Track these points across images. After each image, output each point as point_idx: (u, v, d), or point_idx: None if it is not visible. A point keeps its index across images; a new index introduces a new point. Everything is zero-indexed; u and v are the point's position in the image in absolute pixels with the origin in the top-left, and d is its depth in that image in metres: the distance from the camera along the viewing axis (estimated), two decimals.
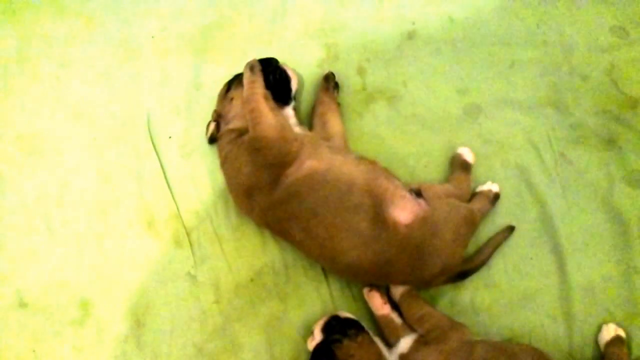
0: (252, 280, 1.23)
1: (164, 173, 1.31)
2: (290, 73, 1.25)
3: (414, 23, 1.42)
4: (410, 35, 1.41)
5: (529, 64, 1.37)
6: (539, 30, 1.40)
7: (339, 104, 1.31)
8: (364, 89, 1.36)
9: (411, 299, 1.12)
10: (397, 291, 1.14)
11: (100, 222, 1.29)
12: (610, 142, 1.30)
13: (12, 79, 1.40)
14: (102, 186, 1.32)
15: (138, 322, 1.23)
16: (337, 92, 1.33)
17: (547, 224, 1.24)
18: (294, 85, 1.25)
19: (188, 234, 1.27)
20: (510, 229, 1.23)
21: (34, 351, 1.22)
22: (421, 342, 1.07)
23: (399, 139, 1.32)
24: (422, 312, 1.09)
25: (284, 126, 1.16)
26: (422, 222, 1.08)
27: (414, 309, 1.10)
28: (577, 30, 1.40)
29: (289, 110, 1.24)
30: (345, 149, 1.23)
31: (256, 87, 1.18)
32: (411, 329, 1.11)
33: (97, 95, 1.39)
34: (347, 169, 1.11)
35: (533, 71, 1.37)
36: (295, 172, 1.10)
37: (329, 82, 1.32)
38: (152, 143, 1.33)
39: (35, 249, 1.28)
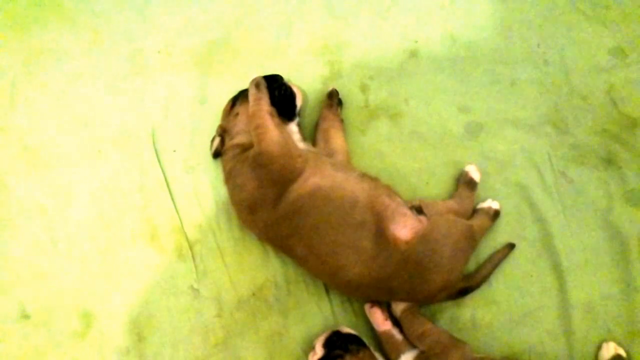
0: (253, 294, 1.24)
1: (168, 186, 1.33)
2: (294, 90, 1.27)
3: (416, 41, 1.44)
4: (413, 54, 1.43)
5: (530, 83, 1.39)
6: (540, 50, 1.43)
7: (342, 121, 1.33)
8: (366, 106, 1.38)
9: (412, 315, 1.13)
10: (398, 308, 1.15)
11: (103, 235, 1.30)
12: (610, 162, 1.31)
13: (20, 91, 1.42)
14: (106, 198, 1.33)
15: (139, 336, 1.23)
16: (341, 108, 1.34)
17: (547, 242, 1.25)
18: (298, 102, 1.27)
19: (191, 248, 1.28)
20: (511, 247, 1.24)
21: None
22: (422, 359, 1.07)
23: (401, 155, 1.33)
24: (423, 329, 1.10)
25: (289, 142, 1.17)
26: (423, 238, 1.10)
27: (415, 325, 1.11)
28: (577, 51, 1.42)
29: (293, 126, 1.26)
30: (348, 165, 1.24)
31: (262, 104, 1.20)
32: (412, 345, 1.11)
33: (103, 108, 1.40)
34: (350, 186, 1.12)
35: (533, 90, 1.39)
36: (298, 188, 1.12)
37: (333, 99, 1.34)
38: (157, 156, 1.35)
39: (38, 261, 1.29)
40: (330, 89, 1.35)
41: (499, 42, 1.44)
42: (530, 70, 1.40)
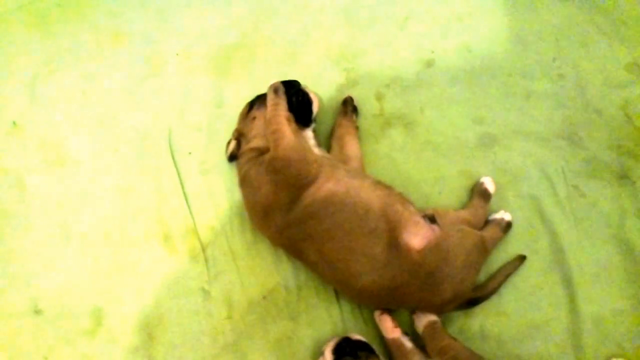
0: (264, 297, 1.25)
1: (183, 188, 1.34)
2: (311, 96, 1.28)
3: (432, 52, 1.45)
4: (429, 64, 1.44)
5: (545, 96, 1.40)
6: (555, 64, 1.43)
7: (357, 128, 1.34)
8: (381, 114, 1.39)
9: (434, 330, 1.13)
10: (421, 322, 1.15)
11: (116, 234, 1.32)
12: (623, 177, 1.31)
13: (39, 89, 1.44)
14: (120, 198, 1.34)
15: (150, 335, 1.24)
16: (356, 116, 1.35)
17: (558, 255, 1.25)
18: (315, 108, 1.28)
19: (203, 250, 1.29)
20: (522, 259, 1.24)
21: (45, 358, 1.24)
22: None
23: (414, 164, 1.34)
24: (443, 344, 1.10)
25: (305, 148, 1.18)
26: (435, 248, 1.10)
27: (436, 340, 1.11)
28: (593, 66, 1.42)
29: (309, 132, 1.26)
30: (362, 172, 1.25)
31: (280, 109, 1.21)
32: (421, 354, 1.11)
33: (121, 109, 1.42)
34: (364, 193, 1.13)
35: (548, 104, 1.39)
36: (313, 194, 1.12)
37: (348, 106, 1.35)
38: (172, 158, 1.36)
39: (52, 257, 1.31)
40: (345, 96, 1.36)
41: (514, 54, 1.44)
42: (546, 84, 1.41)
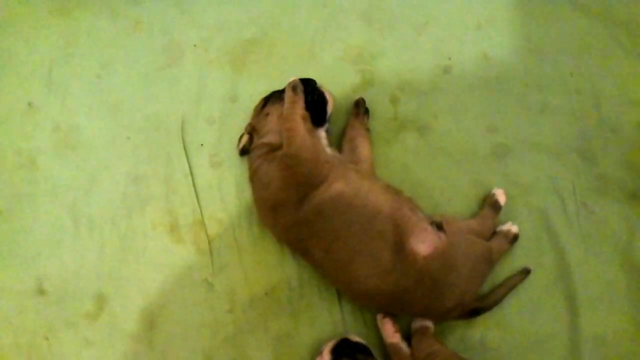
0: (266, 294, 1.25)
1: (193, 180, 1.34)
2: (327, 96, 1.27)
3: (450, 58, 1.44)
4: (446, 70, 1.43)
5: (560, 110, 1.39)
6: (572, 78, 1.42)
7: (368, 130, 1.33)
8: (395, 117, 1.39)
9: (423, 335, 1.13)
10: (415, 325, 1.15)
11: (124, 221, 1.32)
12: (635, 197, 1.31)
13: (57, 72, 1.44)
14: (130, 185, 1.35)
15: (151, 323, 1.25)
16: (368, 118, 1.35)
17: (563, 270, 1.25)
18: (329, 108, 1.27)
19: (209, 242, 1.30)
20: (526, 272, 1.24)
21: (47, 339, 1.25)
22: None
23: (425, 170, 1.34)
24: (432, 349, 1.10)
25: (317, 148, 1.18)
26: (441, 255, 1.10)
27: (423, 344, 1.11)
28: (610, 83, 1.41)
29: (322, 132, 1.26)
30: (372, 174, 1.25)
31: (297, 107, 1.21)
32: None
33: (136, 96, 1.42)
34: (374, 195, 1.13)
35: (563, 118, 1.38)
36: (322, 193, 1.12)
37: (360, 108, 1.34)
38: (184, 149, 1.36)
39: (59, 239, 1.32)
40: (357, 97, 1.36)
41: (532, 66, 1.43)
42: (562, 97, 1.40)
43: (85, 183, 1.35)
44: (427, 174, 1.34)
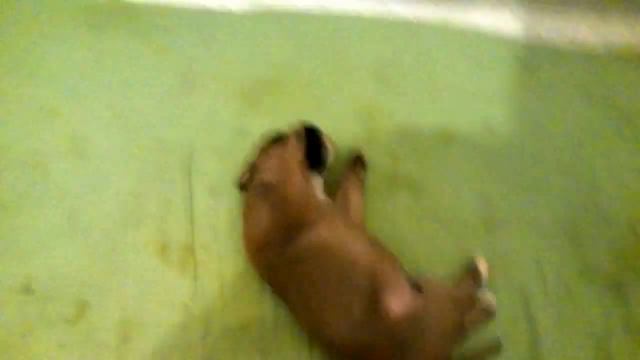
0: (241, 327, 1.28)
1: (191, 205, 1.39)
2: (328, 145, 1.32)
3: (454, 123, 1.49)
4: (448, 135, 1.48)
5: (555, 191, 1.41)
6: (571, 161, 1.45)
7: (362, 182, 1.37)
8: (392, 174, 1.43)
9: None
10: None
11: (119, 234, 1.37)
12: (618, 287, 1.31)
13: (83, 84, 1.53)
14: (131, 201, 1.40)
15: (125, 337, 1.28)
16: (364, 171, 1.39)
17: (535, 351, 1.25)
18: (329, 157, 1.32)
19: (195, 267, 1.33)
20: (498, 347, 1.24)
21: (23, 336, 1.28)
22: None
23: (414, 230, 1.37)
24: None
25: (310, 193, 1.22)
26: (414, 317, 1.11)
27: None
28: (609, 173, 1.44)
29: (318, 179, 1.31)
30: (360, 227, 1.28)
31: (297, 152, 1.26)
32: None
33: (150, 117, 1.49)
34: (357, 247, 1.16)
35: (557, 199, 1.41)
36: (308, 238, 1.16)
37: (357, 161, 1.39)
38: (188, 174, 1.42)
39: (55, 242, 1.36)
40: (357, 151, 1.41)
41: (533, 142, 1.47)
42: (558, 179, 1.43)
43: (89, 192, 1.41)
44: (415, 235, 1.36)
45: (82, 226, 1.38)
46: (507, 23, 1.62)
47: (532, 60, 1.59)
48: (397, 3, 1.63)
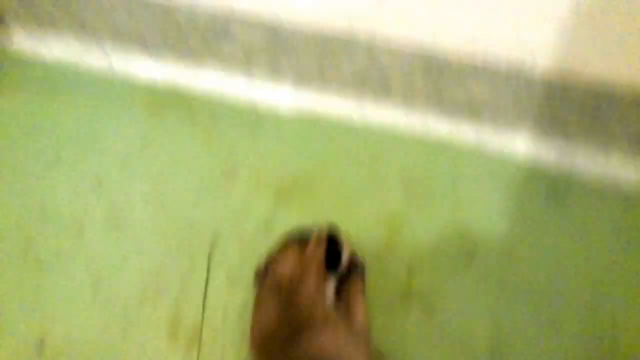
0: None
1: (206, 288, 1.44)
2: (346, 251, 1.36)
3: (474, 245, 1.50)
4: (467, 256, 1.49)
5: (572, 331, 1.38)
6: (592, 302, 1.42)
7: (364, 291, 1.38)
8: (405, 289, 1.44)
9: None
10: None
11: (135, 307, 1.43)
12: None
13: (130, 158, 1.66)
14: (151, 276, 1.47)
15: None
16: (364, 279, 1.39)
17: None
18: (344, 262, 1.35)
19: (199, 348, 1.36)
20: None
21: None
22: None
23: (421, 350, 1.35)
24: None
25: (321, 298, 1.25)
26: None
27: None
28: (631, 319, 1.39)
29: (330, 282, 1.33)
30: (363, 335, 1.28)
31: (317, 253, 1.30)
32: None
33: (185, 198, 1.59)
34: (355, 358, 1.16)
35: (573, 340, 1.36)
36: (309, 341, 1.17)
37: (360, 269, 1.40)
38: (208, 257, 1.48)
39: (76, 304, 1.43)
40: (362, 259, 1.41)
41: (554, 277, 1.45)
42: (576, 318, 1.39)
43: (116, 262, 1.49)
44: (421, 354, 1.35)
45: (103, 294, 1.45)
46: (540, 150, 1.67)
47: (562, 190, 1.61)
48: (434, 118, 1.71)
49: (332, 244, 1.35)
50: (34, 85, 1.85)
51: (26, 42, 1.93)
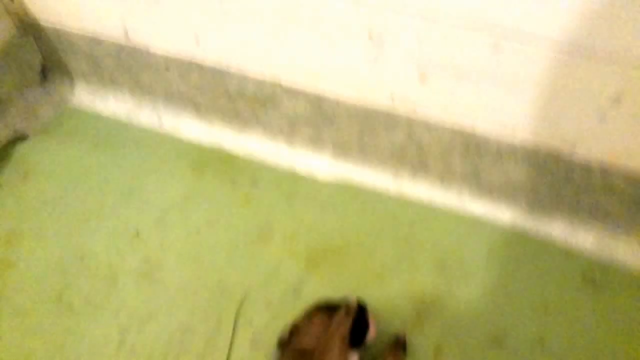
0: None
1: (230, 348, 1.44)
2: (371, 325, 1.34)
3: (504, 330, 1.46)
4: (497, 341, 1.44)
5: None
6: None
7: None
8: None
9: None
10: None
11: (155, 351, 1.43)
12: None
13: (169, 215, 1.71)
14: (177, 332, 1.47)
15: None
16: (405, 356, 1.37)
17: None
18: (370, 337, 1.34)
19: None
20: None
21: None
22: None
23: None
24: None
25: None
26: None
27: None
28: None
29: (354, 355, 1.31)
30: None
31: (343, 327, 1.29)
32: None
33: (218, 257, 1.62)
34: None
35: None
36: None
37: (399, 344, 1.39)
38: (234, 320, 1.48)
39: (98, 352, 1.44)
40: (402, 335, 1.41)
41: None
42: None
43: (145, 315, 1.51)
44: None
45: (128, 345, 1.46)
46: (580, 237, 1.64)
47: (600, 279, 1.56)
48: (472, 201, 1.72)
49: (359, 319, 1.34)
50: (88, 137, 1.96)
51: (87, 97, 2.06)
